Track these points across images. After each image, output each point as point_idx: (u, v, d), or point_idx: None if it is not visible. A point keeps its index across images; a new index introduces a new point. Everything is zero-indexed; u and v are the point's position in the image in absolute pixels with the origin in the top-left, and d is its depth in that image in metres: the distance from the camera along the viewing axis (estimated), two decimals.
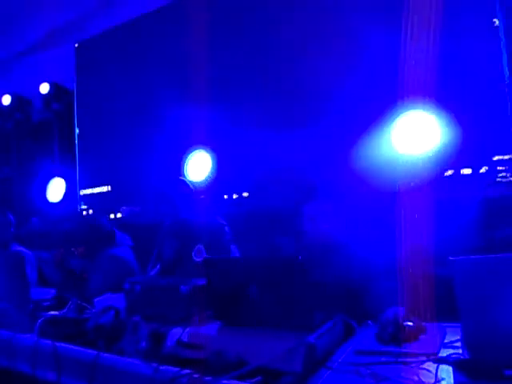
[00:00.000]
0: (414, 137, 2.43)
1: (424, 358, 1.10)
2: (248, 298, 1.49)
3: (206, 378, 1.25)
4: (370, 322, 1.51)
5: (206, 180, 3.23)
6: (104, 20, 4.46)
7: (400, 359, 1.11)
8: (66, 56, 4.74)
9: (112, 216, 3.93)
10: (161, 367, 1.34)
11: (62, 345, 1.63)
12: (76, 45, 4.71)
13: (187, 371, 1.28)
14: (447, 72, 2.45)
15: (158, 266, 2.52)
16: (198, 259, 2.28)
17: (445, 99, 2.38)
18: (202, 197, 2.61)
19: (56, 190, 3.76)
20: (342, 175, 2.46)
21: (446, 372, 1.04)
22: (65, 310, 1.96)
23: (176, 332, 1.49)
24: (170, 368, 1.32)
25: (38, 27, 4.90)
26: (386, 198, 2.20)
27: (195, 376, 1.26)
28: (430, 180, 2.26)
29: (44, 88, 4.73)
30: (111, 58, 4.39)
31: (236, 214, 2.84)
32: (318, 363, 1.27)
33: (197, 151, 3.50)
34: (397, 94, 2.40)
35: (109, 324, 1.72)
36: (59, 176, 3.79)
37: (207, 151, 3.34)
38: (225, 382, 1.23)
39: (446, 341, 1.26)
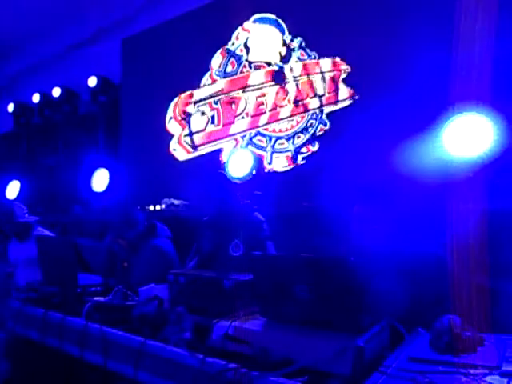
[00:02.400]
0: (467, 139, 2.35)
1: (486, 371, 1.05)
2: (294, 296, 1.47)
3: (253, 373, 1.25)
4: (420, 329, 1.46)
5: (247, 177, 3.23)
6: (149, 17, 4.57)
7: (459, 370, 1.06)
8: (112, 51, 4.87)
9: (152, 208, 4.00)
10: (207, 359, 1.35)
11: (110, 330, 1.68)
12: (122, 40, 4.84)
13: (234, 365, 1.28)
14: (501, 74, 2.37)
15: (196, 259, 2.54)
16: (235, 254, 2.29)
17: (499, 102, 2.28)
18: (256, 193, 2.60)
19: (100, 180, 3.86)
20: (391, 177, 2.41)
21: None
22: (110, 297, 2.02)
23: (221, 325, 1.49)
24: (217, 361, 1.33)
25: (86, 24, 5.08)
26: (435, 200, 2.13)
27: (242, 371, 1.26)
28: (479, 183, 2.17)
29: (92, 81, 4.88)
30: (155, 54, 4.48)
31: (275, 213, 2.82)
32: (366, 367, 1.24)
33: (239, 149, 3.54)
34: (449, 96, 2.33)
35: (153, 313, 1.75)
36: (103, 167, 3.90)
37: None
38: (272, 378, 1.23)
39: (507, 354, 1.20)
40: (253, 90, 3.78)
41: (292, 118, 3.57)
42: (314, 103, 3.47)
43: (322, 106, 3.42)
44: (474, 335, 1.23)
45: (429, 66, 2.68)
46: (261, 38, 3.79)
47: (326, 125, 3.41)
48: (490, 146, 2.26)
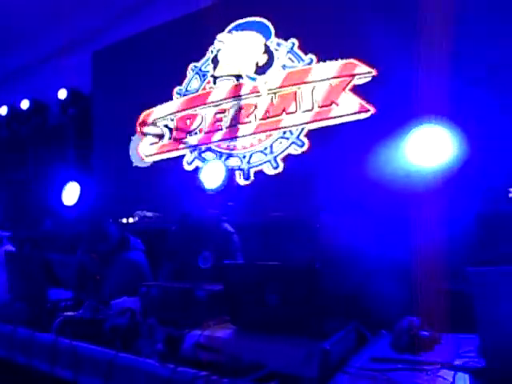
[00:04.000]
0: (428, 150, 2.47)
1: (440, 366, 1.12)
2: (264, 303, 1.51)
3: (224, 380, 1.28)
4: (383, 331, 1.52)
5: (219, 188, 3.27)
6: (121, 29, 4.59)
7: (416, 367, 1.13)
8: (83, 63, 4.85)
9: (125, 220, 3.98)
10: (178, 369, 1.37)
11: (80, 344, 1.67)
12: (93, 52, 4.82)
13: (205, 373, 1.31)
14: (459, 89, 2.52)
15: (166, 271, 2.52)
16: (204, 266, 2.28)
17: (458, 115, 2.42)
18: (231, 203, 2.59)
19: (71, 193, 3.81)
20: (356, 186, 2.50)
21: (463, 380, 1.06)
22: (81, 311, 2.00)
23: (193, 335, 1.52)
24: (188, 370, 1.35)
25: (57, 35, 5.04)
26: (399, 208, 2.23)
27: (213, 378, 1.29)
28: (440, 192, 2.29)
29: (62, 93, 4.84)
30: (126, 66, 4.49)
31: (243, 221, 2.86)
32: (332, 369, 1.29)
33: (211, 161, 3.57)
34: (412, 109, 2.46)
35: (125, 325, 1.75)
36: (74, 180, 3.85)
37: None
38: None
39: (460, 351, 1.28)
40: (211, 107, 3.75)
41: (254, 136, 3.43)
42: (290, 120, 3.14)
43: (305, 122, 3.05)
44: (432, 335, 1.31)
45: (393, 81, 2.81)
46: (234, 49, 3.63)
47: (302, 146, 3.12)
48: (450, 157, 2.39)
